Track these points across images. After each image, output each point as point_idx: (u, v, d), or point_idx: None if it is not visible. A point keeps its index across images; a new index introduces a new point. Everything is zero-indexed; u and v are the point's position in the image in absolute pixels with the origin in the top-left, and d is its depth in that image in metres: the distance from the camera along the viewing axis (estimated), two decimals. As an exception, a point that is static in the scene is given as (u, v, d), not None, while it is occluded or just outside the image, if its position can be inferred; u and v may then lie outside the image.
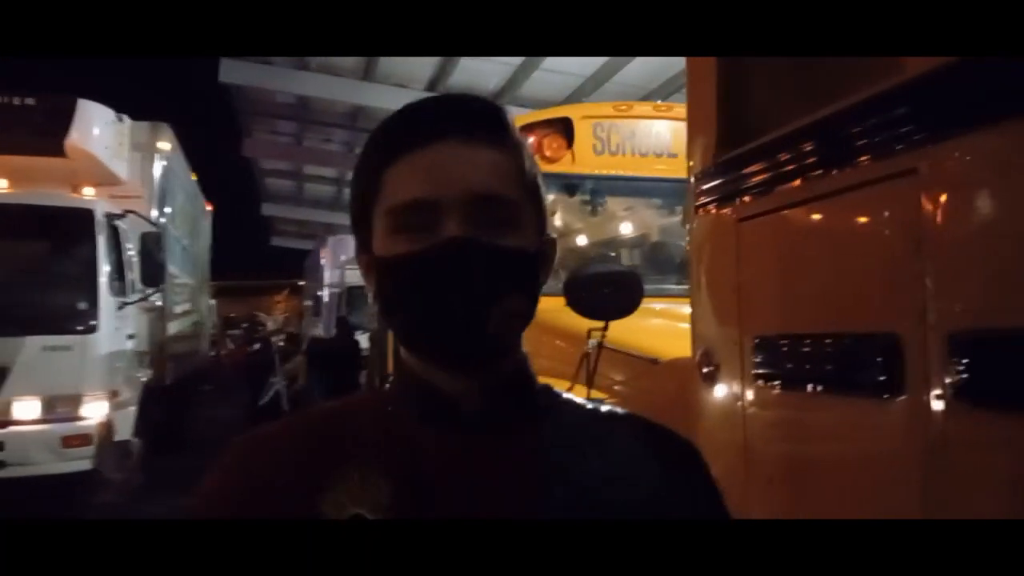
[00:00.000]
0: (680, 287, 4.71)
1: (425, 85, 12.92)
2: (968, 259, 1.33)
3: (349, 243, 17.62)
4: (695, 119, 2.34)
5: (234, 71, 12.52)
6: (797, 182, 1.78)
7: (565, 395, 0.93)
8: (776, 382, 1.91)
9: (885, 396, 1.52)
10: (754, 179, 1.95)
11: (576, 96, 11.76)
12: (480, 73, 11.99)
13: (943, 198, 1.36)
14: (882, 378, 1.52)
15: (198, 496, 0.85)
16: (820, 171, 1.70)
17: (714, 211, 2.17)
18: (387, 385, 0.91)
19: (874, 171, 1.52)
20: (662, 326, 3.92)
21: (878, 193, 1.53)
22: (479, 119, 0.84)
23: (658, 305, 3.91)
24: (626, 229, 5.52)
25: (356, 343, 11.16)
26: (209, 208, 15.32)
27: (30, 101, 7.32)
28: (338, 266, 18.06)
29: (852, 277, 1.64)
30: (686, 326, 4.01)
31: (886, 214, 1.54)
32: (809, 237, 1.81)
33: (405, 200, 0.81)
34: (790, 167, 1.80)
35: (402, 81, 12.90)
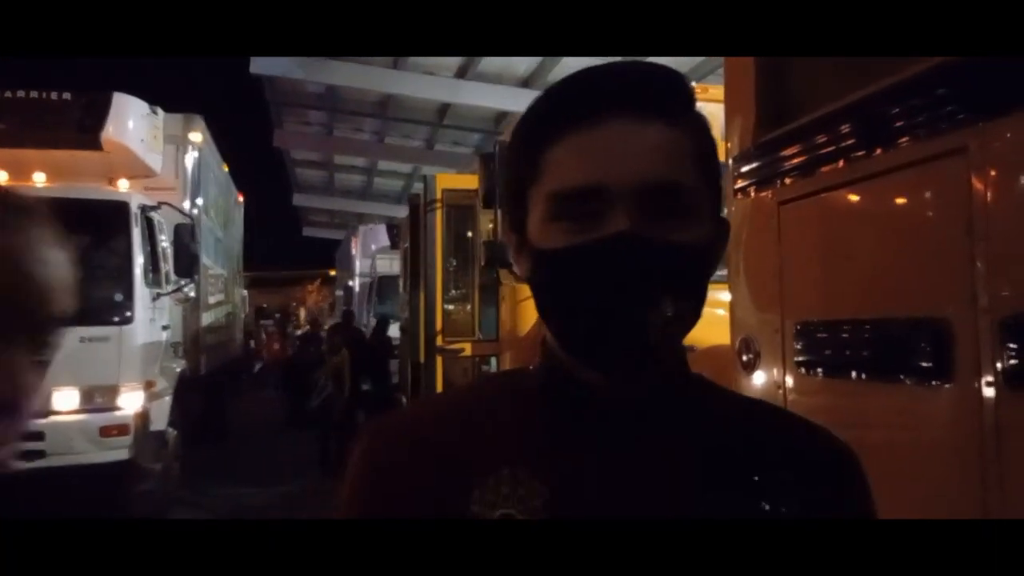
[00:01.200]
0: (719, 273, 4.67)
1: (454, 72, 12.90)
2: (1022, 241, 1.27)
3: (380, 232, 17.73)
4: (733, 99, 2.29)
5: (265, 63, 12.60)
6: (840, 163, 1.73)
7: (718, 387, 0.85)
8: (819, 369, 1.87)
9: (933, 383, 1.48)
10: (795, 160, 1.90)
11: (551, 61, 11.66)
12: (508, 59, 11.93)
13: (995, 178, 1.31)
14: (930, 364, 1.47)
15: (340, 493, 0.81)
16: (864, 151, 1.65)
17: (753, 194, 2.12)
18: (530, 373, 0.82)
19: (921, 150, 1.47)
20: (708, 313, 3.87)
21: (926, 173, 1.48)
22: (657, 91, 0.74)
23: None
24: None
25: (390, 340, 11.21)
26: (241, 199, 15.46)
27: (67, 96, 7.42)
28: (369, 255, 18.16)
29: (899, 261, 1.59)
30: (722, 312, 3.98)
31: (934, 195, 1.48)
32: (853, 220, 1.76)
33: (569, 186, 0.72)
34: (833, 147, 1.75)
35: (431, 68, 12.88)
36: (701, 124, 0.76)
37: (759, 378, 2.14)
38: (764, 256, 2.10)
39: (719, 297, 4.11)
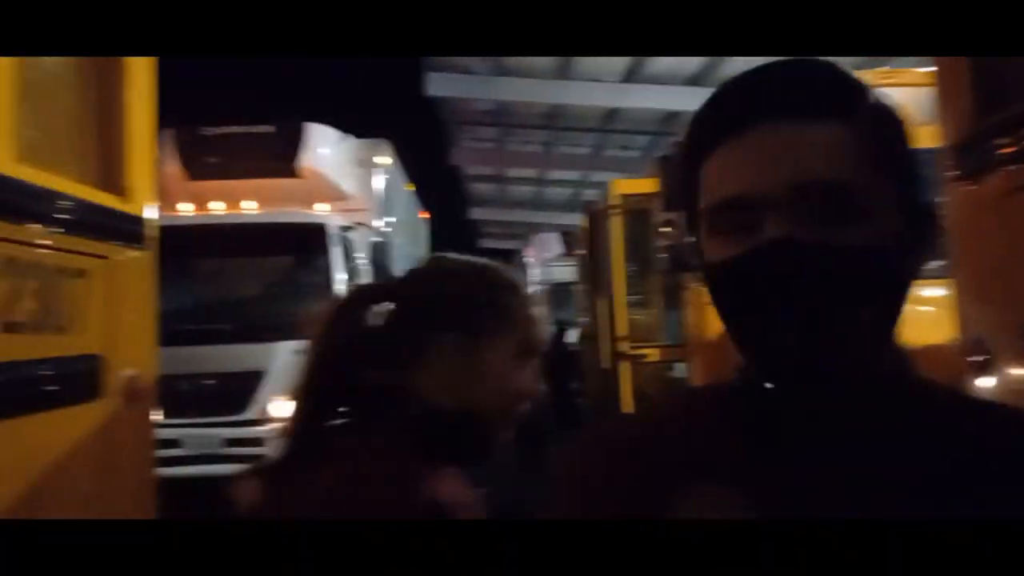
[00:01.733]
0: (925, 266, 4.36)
1: (620, 77, 12.86)
2: None
3: (552, 241, 17.94)
4: (947, 80, 2.15)
5: (438, 83, 13.13)
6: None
7: (949, 395, 0.77)
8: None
9: None
10: (1029, 144, 1.76)
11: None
12: (676, 59, 11.74)
13: None
14: None
15: (548, 497, 0.81)
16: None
17: (977, 183, 1.98)
18: (731, 382, 0.80)
19: None
20: (909, 311, 3.64)
21: None
22: (810, 89, 0.70)
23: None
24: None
25: (569, 351, 11.19)
26: (425, 216, 16.16)
27: (268, 128, 8.09)
28: (543, 264, 18.40)
29: None
30: (933, 309, 3.72)
31: None
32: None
33: (721, 198, 0.71)
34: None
35: (596, 76, 12.91)
36: (875, 116, 0.71)
37: (992, 381, 2.00)
38: (992, 249, 1.96)
39: (925, 294, 3.88)
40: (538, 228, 23.23)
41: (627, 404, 6.20)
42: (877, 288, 0.69)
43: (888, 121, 0.72)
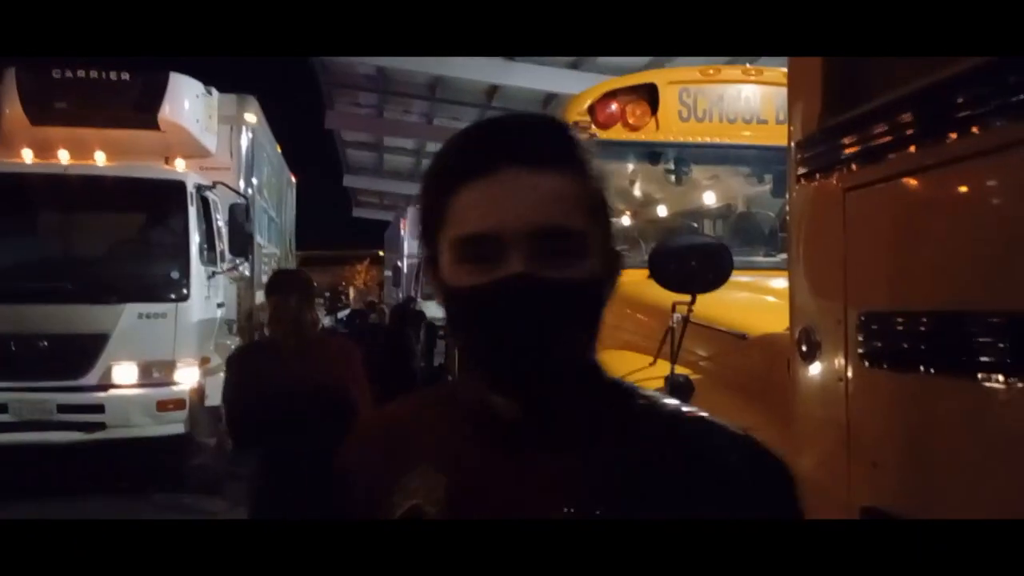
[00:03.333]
0: (767, 259, 4.56)
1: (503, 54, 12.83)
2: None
3: (428, 214, 17.79)
4: (798, 80, 2.21)
5: (317, 44, 12.69)
6: (914, 148, 1.65)
7: (633, 396, 0.91)
8: (885, 362, 1.80)
9: (1012, 380, 1.41)
10: (864, 146, 1.83)
11: (657, 62, 11.47)
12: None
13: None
14: (1009, 361, 1.40)
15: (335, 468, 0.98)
16: (943, 136, 1.57)
17: (818, 180, 2.05)
18: (452, 383, 1.03)
19: (1007, 135, 1.39)
20: (749, 300, 3.79)
21: (1011, 159, 1.40)
22: (546, 141, 0.83)
23: (745, 278, 3.77)
24: (711, 199, 5.36)
25: (409, 338, 10.89)
26: (293, 180, 15.66)
27: (125, 76, 7.58)
28: (416, 236, 18.28)
29: (977, 251, 1.51)
30: (774, 300, 3.88)
31: (1020, 182, 1.41)
32: (928, 208, 1.69)
33: (468, 233, 0.81)
34: (907, 132, 1.68)
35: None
36: (588, 168, 0.84)
37: (819, 369, 2.08)
38: (827, 243, 2.03)
39: (770, 284, 4.05)
40: (414, 200, 23.03)
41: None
42: (589, 314, 0.83)
43: (596, 173, 0.85)
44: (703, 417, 0.89)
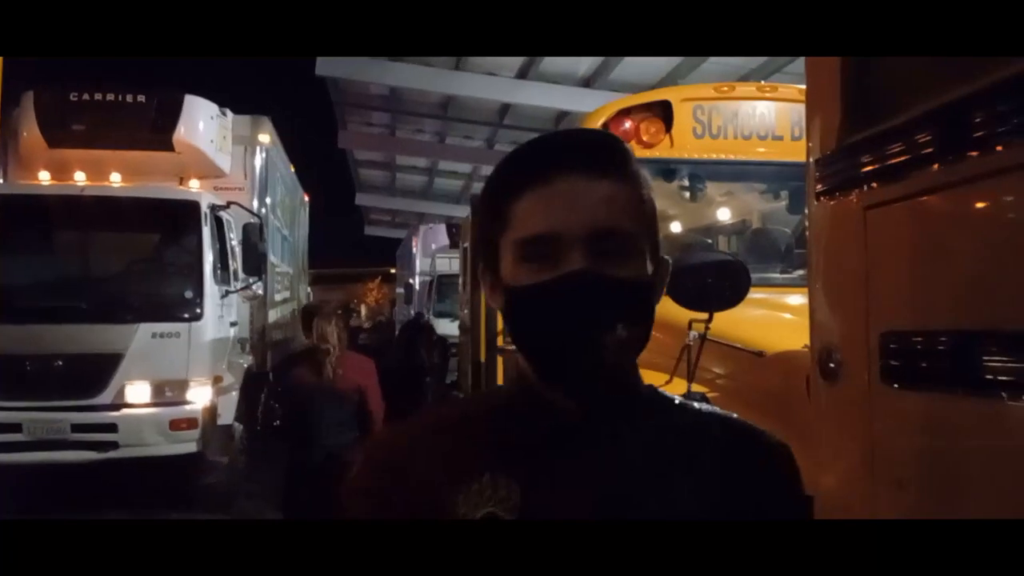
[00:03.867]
0: (784, 276, 4.53)
1: (515, 73, 12.88)
2: None
3: (440, 232, 17.84)
4: (817, 97, 2.20)
5: (330, 64, 12.77)
6: (935, 166, 1.64)
7: (670, 398, 0.99)
8: (909, 381, 1.78)
9: (1042, 400, 1.38)
10: (885, 163, 1.81)
11: (671, 79, 11.48)
12: (569, 60, 11.85)
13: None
14: (1039, 381, 1.38)
15: (346, 492, 0.95)
16: (964, 154, 1.55)
17: (838, 198, 2.03)
18: (506, 391, 1.01)
19: (1033, 151, 1.38)
20: (766, 317, 3.76)
21: (1036, 176, 1.38)
22: (600, 153, 0.90)
23: (761, 295, 3.74)
24: (726, 215, 5.34)
25: (422, 364, 10.86)
26: (307, 199, 15.73)
27: (141, 98, 7.64)
28: (429, 255, 18.31)
29: (1000, 270, 1.49)
30: (791, 317, 3.85)
31: (1047, 199, 1.39)
32: (951, 225, 1.67)
33: (532, 233, 0.87)
34: (928, 150, 1.66)
35: (492, 70, 12.89)
36: (639, 180, 0.91)
37: (841, 388, 2.05)
38: (848, 262, 2.01)
39: (786, 301, 4.02)
40: (426, 218, 23.07)
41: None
42: (642, 312, 0.90)
43: (645, 184, 0.92)
44: (728, 414, 1.00)
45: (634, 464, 0.89)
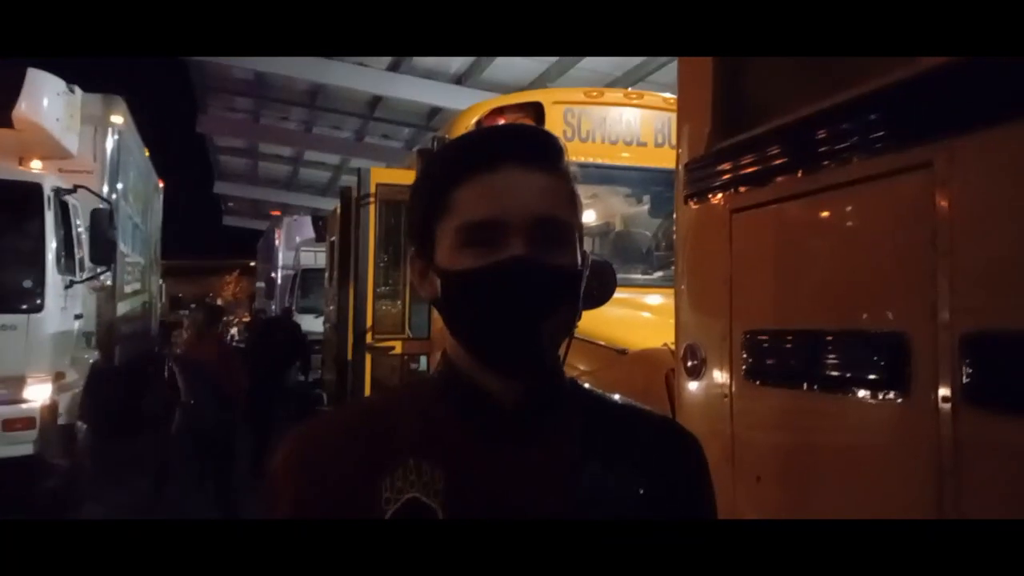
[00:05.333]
0: (645, 277, 4.71)
1: (387, 65, 12.72)
2: (987, 258, 1.29)
3: (305, 224, 17.33)
4: (687, 103, 2.28)
5: (190, 45, 12.13)
6: (799, 173, 1.73)
7: (590, 390, 1.03)
8: (768, 379, 1.87)
9: (888, 397, 1.49)
10: (751, 169, 1.90)
11: (540, 82, 11.67)
12: (442, 57, 11.82)
13: (961, 194, 1.32)
14: (886, 378, 1.48)
15: (265, 492, 0.94)
16: (825, 163, 1.65)
17: (705, 201, 2.11)
18: (435, 380, 0.99)
19: (885, 164, 1.48)
20: (629, 316, 3.89)
21: (888, 186, 1.48)
22: (541, 146, 0.93)
23: (624, 295, 3.87)
24: (592, 218, 5.49)
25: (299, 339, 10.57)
26: (161, 185, 14.93)
27: (-24, 70, 7.00)
28: (293, 247, 17.76)
29: (856, 273, 1.60)
30: (651, 316, 3.99)
31: (896, 209, 1.49)
32: (811, 231, 1.77)
33: (474, 219, 0.89)
34: (792, 158, 1.75)
35: (364, 60, 12.67)
36: (570, 173, 0.94)
37: (704, 384, 2.14)
38: (714, 263, 2.10)
39: (647, 301, 4.17)
40: (290, 210, 22.40)
41: (367, 395, 6.10)
42: (573, 300, 0.92)
43: (575, 178, 0.95)
44: (643, 407, 1.04)
45: (562, 452, 0.92)
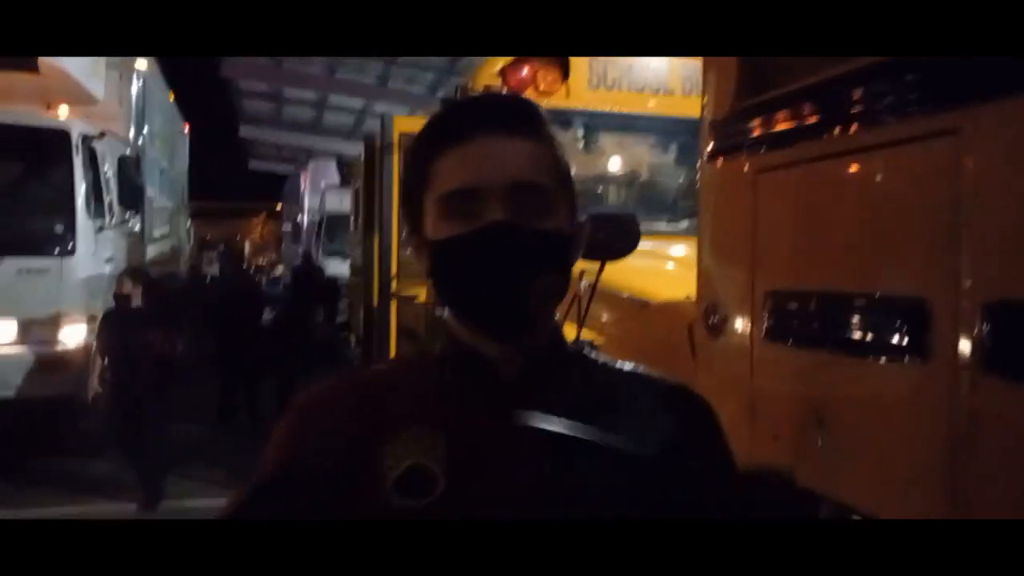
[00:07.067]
0: (670, 226, 4.69)
1: (411, 8, 12.52)
2: (1010, 227, 1.28)
3: (330, 168, 17.35)
4: (714, 60, 2.25)
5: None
6: (826, 135, 1.72)
7: (596, 356, 1.02)
8: (788, 339, 1.88)
9: (908, 362, 1.50)
10: (777, 129, 1.88)
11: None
12: None
13: (987, 162, 1.31)
14: (906, 343, 1.49)
15: (267, 456, 0.95)
16: (852, 125, 1.63)
17: (731, 160, 2.10)
18: (436, 350, 1.00)
19: (912, 129, 1.46)
20: (652, 267, 3.89)
21: (915, 152, 1.47)
22: (517, 114, 0.94)
23: (648, 245, 3.86)
24: (617, 166, 5.45)
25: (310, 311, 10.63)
26: (187, 129, 14.96)
27: (0, 12, 6.99)
28: (318, 192, 17.81)
29: (880, 237, 1.59)
30: (675, 268, 3.99)
31: (922, 174, 1.48)
32: (835, 193, 1.76)
33: (453, 188, 0.90)
34: (819, 119, 1.74)
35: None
36: (554, 143, 0.95)
37: (724, 343, 2.16)
38: (737, 222, 2.09)
39: (671, 252, 4.16)
40: (314, 154, 22.38)
41: (392, 342, 6.18)
42: (559, 263, 0.93)
43: (559, 145, 0.95)
44: (655, 373, 1.03)
45: (564, 419, 0.92)
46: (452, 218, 0.91)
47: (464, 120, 0.93)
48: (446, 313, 0.97)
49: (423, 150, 0.95)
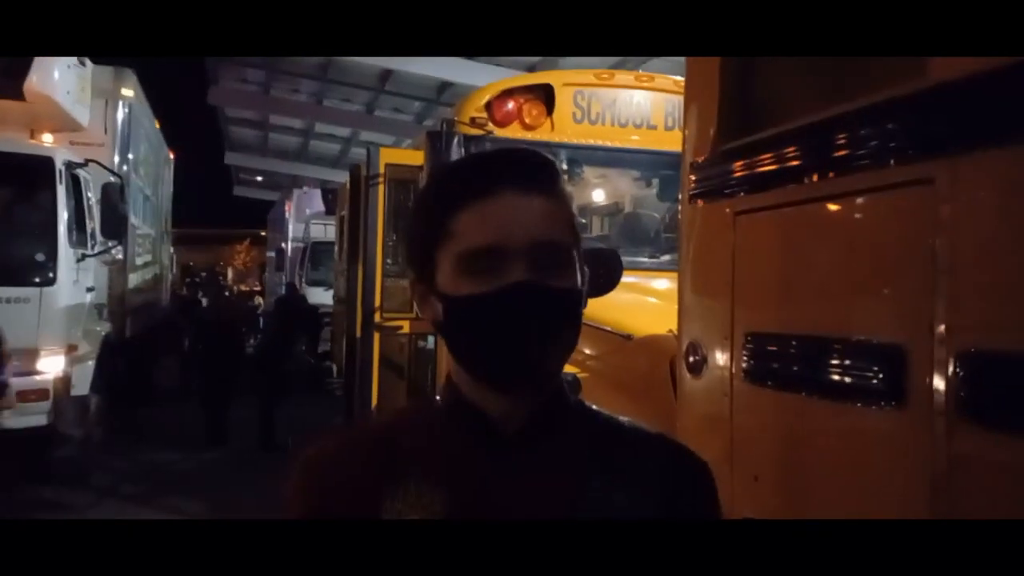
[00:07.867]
0: (652, 260, 4.72)
1: (398, 39, 12.62)
2: (985, 276, 1.30)
3: (315, 197, 17.31)
4: (695, 102, 2.28)
5: (201, 15, 12.07)
6: (805, 180, 1.74)
7: (597, 411, 1.03)
8: (767, 381, 1.89)
9: (883, 405, 1.51)
10: (757, 172, 1.91)
11: (551, 61, 11.55)
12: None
13: (962, 211, 1.33)
14: (882, 388, 1.50)
15: (281, 507, 0.97)
16: (831, 170, 1.66)
17: (710, 202, 2.12)
18: (437, 403, 1.01)
19: (889, 176, 1.49)
20: (635, 301, 3.91)
21: (892, 199, 1.49)
22: (538, 171, 0.94)
23: (631, 279, 3.88)
24: (601, 199, 5.49)
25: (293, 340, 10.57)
26: (172, 156, 14.94)
27: (-14, 40, 6.99)
28: (303, 220, 17.79)
29: (857, 283, 1.61)
30: (657, 301, 4.01)
31: (898, 222, 1.50)
32: (814, 237, 1.78)
33: (476, 246, 0.90)
34: (798, 163, 1.76)
35: (375, 34, 12.57)
36: (567, 195, 0.96)
37: (704, 382, 2.16)
38: (717, 264, 2.11)
39: (653, 286, 4.18)
40: (300, 181, 22.39)
41: (375, 373, 6.15)
42: (576, 320, 0.93)
43: (571, 199, 0.96)
44: (654, 431, 1.03)
45: (566, 475, 0.93)
46: (473, 275, 0.90)
47: (486, 175, 0.93)
48: (452, 366, 0.98)
49: (441, 201, 0.94)
